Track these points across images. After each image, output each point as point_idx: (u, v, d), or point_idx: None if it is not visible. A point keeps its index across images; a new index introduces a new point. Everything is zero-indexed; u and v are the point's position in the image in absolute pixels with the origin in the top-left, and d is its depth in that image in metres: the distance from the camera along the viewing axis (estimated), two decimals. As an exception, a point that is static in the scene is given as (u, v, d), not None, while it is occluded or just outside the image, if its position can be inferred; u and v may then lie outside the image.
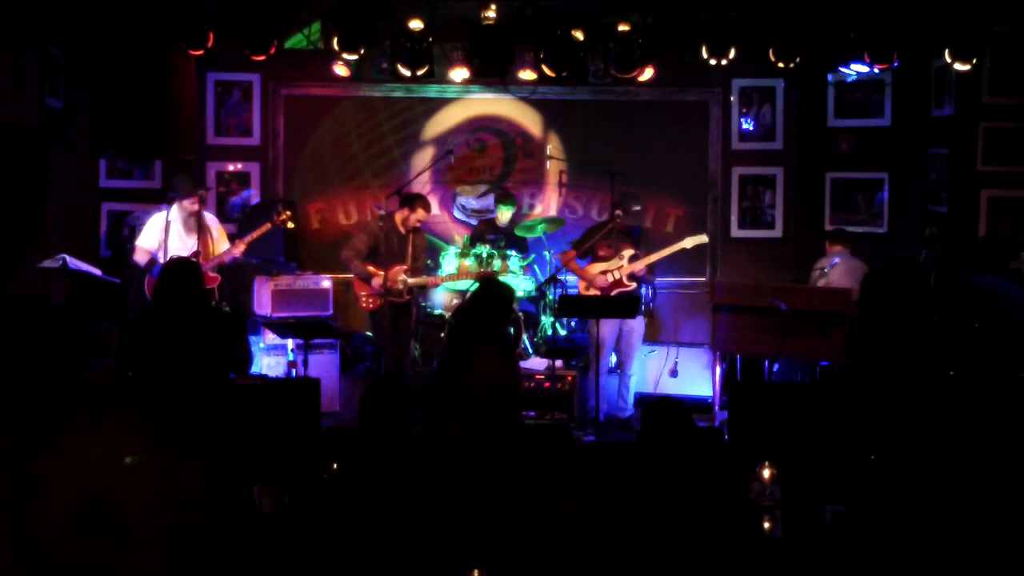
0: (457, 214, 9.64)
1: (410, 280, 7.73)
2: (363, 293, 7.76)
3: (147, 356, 5.02)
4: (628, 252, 7.57)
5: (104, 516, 2.59)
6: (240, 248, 7.44)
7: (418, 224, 7.75)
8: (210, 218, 7.60)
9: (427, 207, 7.81)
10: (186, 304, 5.13)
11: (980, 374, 4.96)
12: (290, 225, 7.93)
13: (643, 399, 7.90)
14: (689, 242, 7.63)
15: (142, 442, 2.69)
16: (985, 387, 4.86)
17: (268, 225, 7.62)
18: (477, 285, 5.82)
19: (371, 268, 7.70)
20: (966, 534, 3.80)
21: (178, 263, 5.48)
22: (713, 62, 7.68)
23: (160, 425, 2.75)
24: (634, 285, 7.58)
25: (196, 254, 7.20)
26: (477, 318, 5.32)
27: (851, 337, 4.86)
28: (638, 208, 7.59)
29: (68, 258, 7.26)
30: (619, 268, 7.57)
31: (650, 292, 8.00)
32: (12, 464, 2.59)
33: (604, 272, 7.59)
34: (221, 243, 7.49)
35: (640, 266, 7.54)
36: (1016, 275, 7.29)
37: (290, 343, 7.71)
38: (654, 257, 7.56)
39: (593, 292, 7.56)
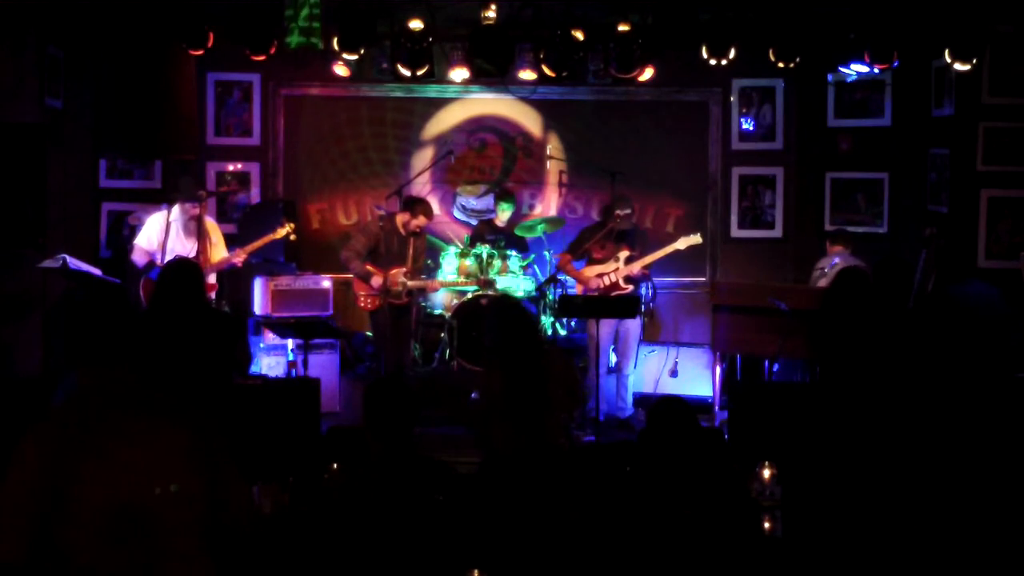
0: (457, 214, 9.64)
1: (409, 283, 7.73)
2: (362, 293, 7.76)
3: (148, 357, 5.01)
4: (624, 254, 7.57)
5: (137, 528, 2.58)
6: (240, 257, 7.45)
7: (418, 229, 7.75)
8: (211, 223, 7.59)
9: (428, 213, 7.80)
10: (186, 305, 5.12)
11: (965, 377, 4.97)
12: (292, 237, 7.94)
13: (643, 399, 7.90)
14: (683, 243, 7.63)
15: (189, 461, 2.68)
16: (973, 390, 4.88)
17: (270, 236, 7.62)
18: (498, 302, 5.89)
19: (370, 268, 7.70)
20: (955, 533, 3.80)
21: (179, 263, 5.47)
22: (713, 62, 7.68)
23: (209, 443, 2.75)
24: (631, 287, 7.58)
25: (195, 258, 7.20)
26: (523, 328, 5.44)
27: (815, 334, 4.93)
28: (628, 211, 7.56)
29: (68, 258, 7.25)
30: (615, 270, 7.57)
31: (650, 292, 8.00)
32: (60, 459, 2.59)
33: (600, 275, 7.58)
34: (220, 248, 7.48)
35: (636, 268, 7.53)
36: (1015, 276, 7.30)
37: (290, 343, 7.71)
38: (649, 259, 7.56)
39: (591, 295, 7.55)
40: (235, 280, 8.33)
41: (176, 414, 2.75)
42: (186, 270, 5.31)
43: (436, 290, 8.34)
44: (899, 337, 4.75)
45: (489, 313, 5.92)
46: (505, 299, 6.00)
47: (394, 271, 7.67)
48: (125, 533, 2.57)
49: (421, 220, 7.72)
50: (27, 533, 2.55)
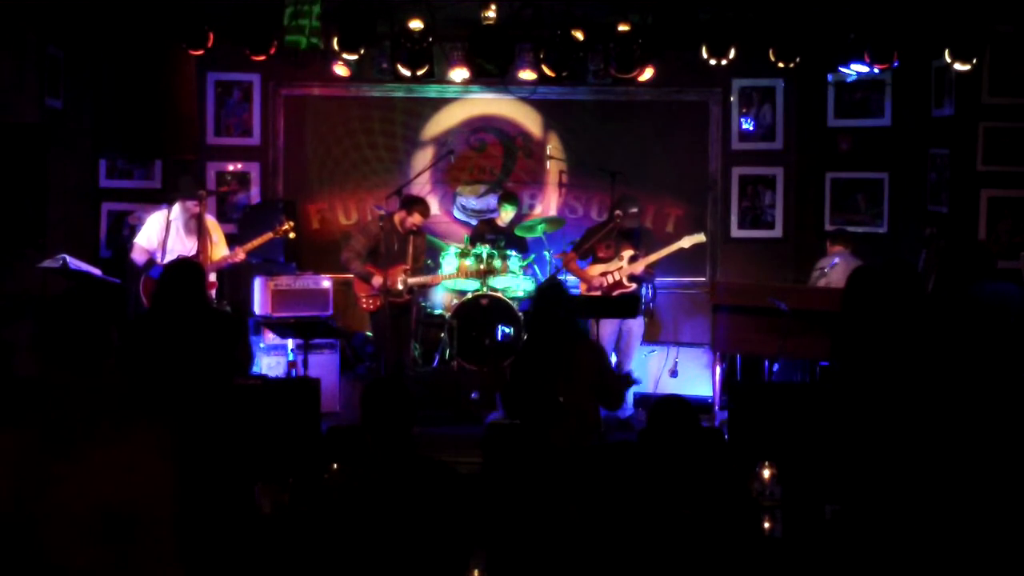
0: (457, 214, 9.63)
1: (410, 280, 7.74)
2: (363, 295, 7.76)
3: (148, 357, 5.01)
4: (628, 253, 7.60)
5: (113, 529, 2.56)
6: (240, 255, 7.44)
7: (414, 227, 7.75)
8: (211, 221, 7.59)
9: (424, 212, 7.80)
10: (188, 305, 5.13)
11: (983, 378, 4.96)
12: (292, 235, 7.93)
13: (643, 399, 7.90)
14: (687, 242, 7.65)
15: (166, 460, 2.66)
16: (989, 391, 4.87)
17: (269, 234, 7.62)
18: (539, 286, 5.98)
19: (371, 268, 7.71)
20: (965, 533, 3.80)
21: (181, 263, 5.48)
22: (713, 62, 7.68)
23: (181, 437, 2.72)
24: (634, 286, 7.60)
25: (196, 256, 7.20)
26: (559, 315, 5.51)
27: (838, 336, 4.93)
28: (635, 210, 7.61)
29: (68, 258, 7.26)
30: (619, 269, 7.58)
31: (650, 292, 8.01)
32: (30, 464, 2.56)
33: (603, 273, 7.60)
34: (220, 247, 7.49)
35: (639, 267, 7.55)
36: (1015, 276, 7.30)
37: (290, 343, 7.71)
38: (653, 258, 7.58)
39: (594, 293, 7.57)
40: (235, 280, 8.33)
41: (151, 413, 2.72)
42: (188, 270, 5.31)
43: (437, 283, 8.29)
44: (919, 336, 4.74)
45: (534, 294, 6.09)
46: (548, 280, 6.11)
47: (394, 269, 7.67)
48: (101, 534, 2.55)
49: (416, 218, 7.72)
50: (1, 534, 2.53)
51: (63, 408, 2.65)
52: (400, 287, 7.69)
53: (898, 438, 4.40)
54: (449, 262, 8.52)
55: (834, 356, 5.30)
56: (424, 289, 8.33)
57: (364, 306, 7.81)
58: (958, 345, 4.84)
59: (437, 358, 8.51)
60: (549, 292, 5.88)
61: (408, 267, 7.74)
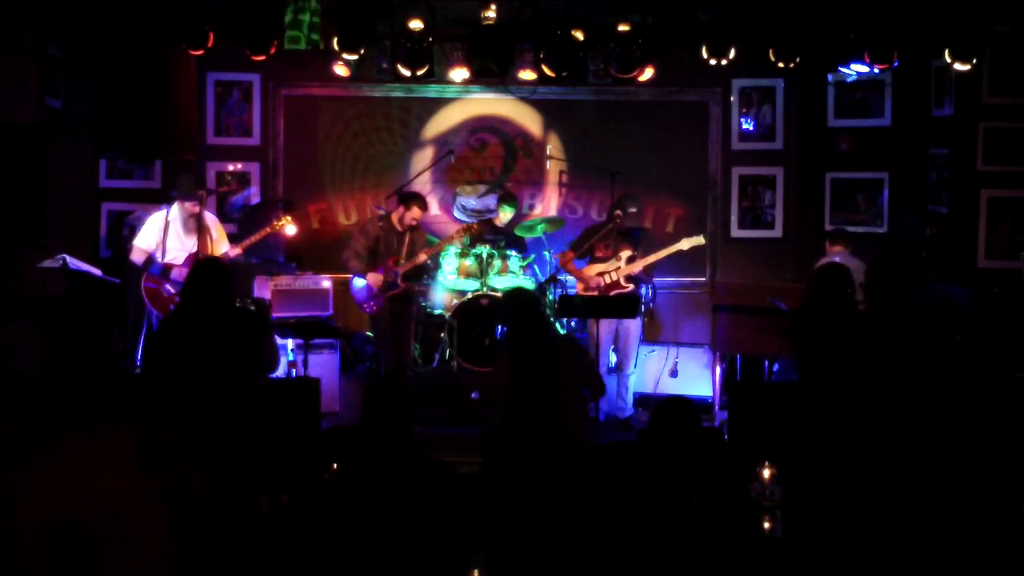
0: (457, 214, 9.63)
1: (400, 269, 7.67)
2: (361, 300, 7.74)
3: (175, 358, 5.02)
4: (626, 253, 7.58)
5: (77, 543, 2.51)
6: (236, 251, 7.42)
7: (413, 223, 7.74)
8: (211, 219, 7.58)
9: (422, 206, 7.79)
10: (214, 305, 5.13)
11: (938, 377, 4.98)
12: (290, 230, 7.91)
13: (643, 399, 7.90)
14: (686, 244, 7.63)
15: (132, 471, 2.60)
16: (948, 390, 4.90)
17: (267, 230, 7.61)
18: (518, 294, 5.94)
19: (368, 269, 7.71)
20: (949, 531, 3.81)
21: (207, 264, 5.47)
22: (713, 62, 7.67)
23: (159, 445, 2.66)
24: (631, 287, 7.59)
25: (195, 255, 7.20)
26: (544, 318, 5.54)
27: (794, 330, 5.00)
28: (635, 210, 7.60)
29: (68, 258, 7.26)
30: (616, 269, 7.58)
31: (650, 292, 8.00)
32: None
33: (601, 273, 7.60)
34: (220, 244, 7.48)
35: (637, 268, 7.54)
36: (1015, 276, 7.31)
37: (290, 343, 7.70)
38: (651, 259, 7.57)
39: (591, 293, 7.57)
40: (236, 280, 8.31)
41: (118, 424, 2.65)
42: (214, 270, 5.31)
43: (427, 259, 8.07)
44: (878, 335, 4.77)
45: (502, 303, 6.05)
46: (519, 290, 6.07)
47: (388, 262, 7.64)
48: (65, 549, 2.50)
49: (415, 212, 7.70)
50: None
51: (27, 423, 2.59)
52: (391, 277, 7.65)
53: (850, 434, 4.43)
54: (449, 262, 8.53)
55: (789, 352, 5.39)
56: (418, 273, 8.21)
57: (366, 310, 7.81)
58: (900, 346, 4.87)
59: (437, 358, 8.51)
60: (526, 300, 5.83)
61: (399, 257, 7.71)
